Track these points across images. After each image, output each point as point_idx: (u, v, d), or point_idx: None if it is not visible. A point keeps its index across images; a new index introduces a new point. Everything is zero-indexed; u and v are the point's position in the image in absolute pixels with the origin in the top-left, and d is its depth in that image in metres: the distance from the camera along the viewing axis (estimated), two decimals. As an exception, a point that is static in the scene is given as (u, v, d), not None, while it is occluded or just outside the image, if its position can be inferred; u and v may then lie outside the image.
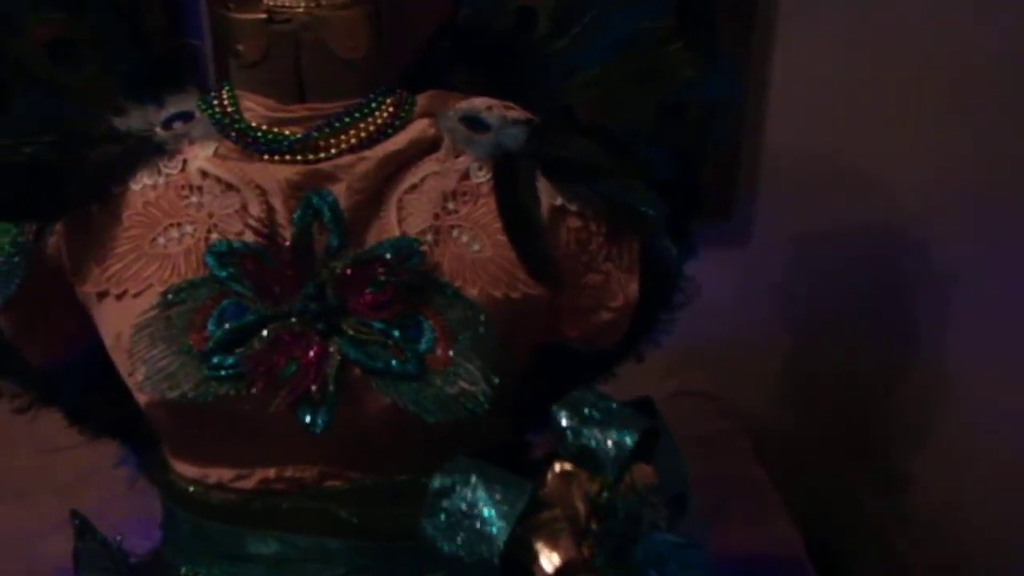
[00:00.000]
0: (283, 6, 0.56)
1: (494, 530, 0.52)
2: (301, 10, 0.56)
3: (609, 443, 0.58)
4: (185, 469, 0.62)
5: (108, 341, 0.60)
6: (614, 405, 0.60)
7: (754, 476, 1.17)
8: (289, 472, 0.59)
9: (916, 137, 1.24)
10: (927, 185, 1.25)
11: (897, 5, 1.20)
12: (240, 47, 0.57)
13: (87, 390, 0.74)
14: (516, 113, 0.64)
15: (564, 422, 0.59)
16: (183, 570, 0.64)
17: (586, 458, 0.59)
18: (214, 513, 0.61)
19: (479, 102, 0.64)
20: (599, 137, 0.63)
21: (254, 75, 0.58)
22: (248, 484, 0.60)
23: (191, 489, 0.61)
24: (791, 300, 1.44)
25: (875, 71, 1.23)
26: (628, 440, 0.58)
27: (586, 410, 0.59)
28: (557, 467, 0.58)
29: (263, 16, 0.56)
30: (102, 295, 0.59)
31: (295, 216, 0.56)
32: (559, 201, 0.61)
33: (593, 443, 0.58)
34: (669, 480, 0.62)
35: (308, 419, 0.54)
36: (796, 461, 1.37)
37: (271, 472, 0.60)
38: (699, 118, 0.69)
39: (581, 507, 0.58)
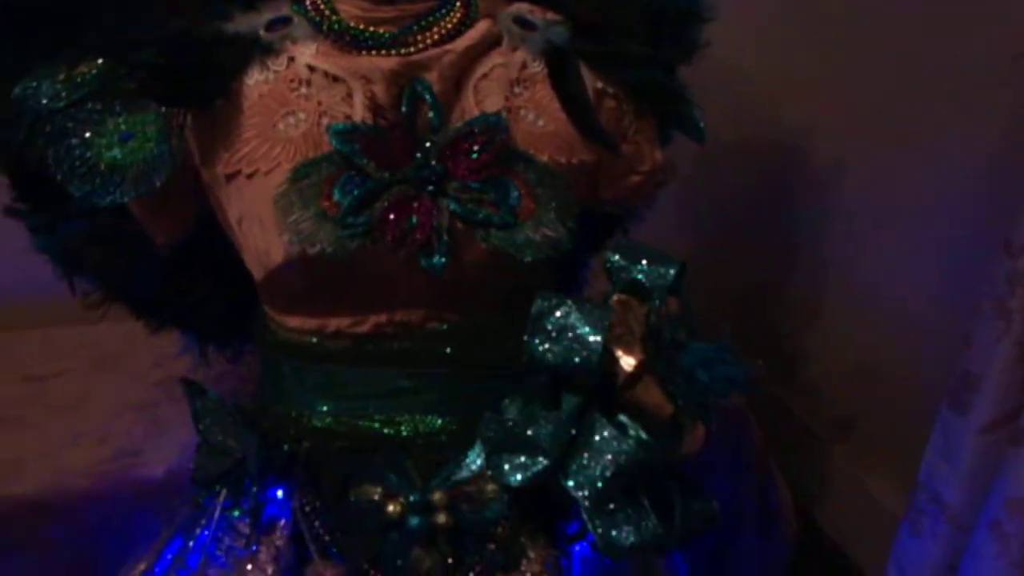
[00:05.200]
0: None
1: (592, 340, 0.66)
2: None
3: (654, 275, 0.73)
4: (304, 323, 0.72)
5: (234, 216, 0.69)
6: (651, 249, 0.75)
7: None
8: (398, 316, 0.71)
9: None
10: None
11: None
12: (340, -43, 0.67)
13: (159, 285, 0.83)
14: (551, 15, 0.76)
15: (618, 260, 0.74)
16: (292, 413, 0.75)
17: (636, 289, 0.74)
18: (333, 358, 0.72)
19: (522, 6, 0.76)
20: (623, 36, 0.77)
21: (350, -19, 0.68)
22: (363, 329, 0.71)
23: (312, 340, 0.72)
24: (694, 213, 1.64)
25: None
26: (670, 272, 0.73)
27: (633, 251, 0.74)
28: (615, 298, 0.73)
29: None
30: (231, 176, 0.68)
31: (405, 98, 0.67)
32: (599, 85, 0.75)
33: (641, 276, 0.73)
34: (687, 312, 0.78)
35: (429, 263, 0.66)
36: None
37: (383, 317, 0.71)
38: (674, 24, 0.84)
39: (636, 328, 0.73)
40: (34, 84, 0.65)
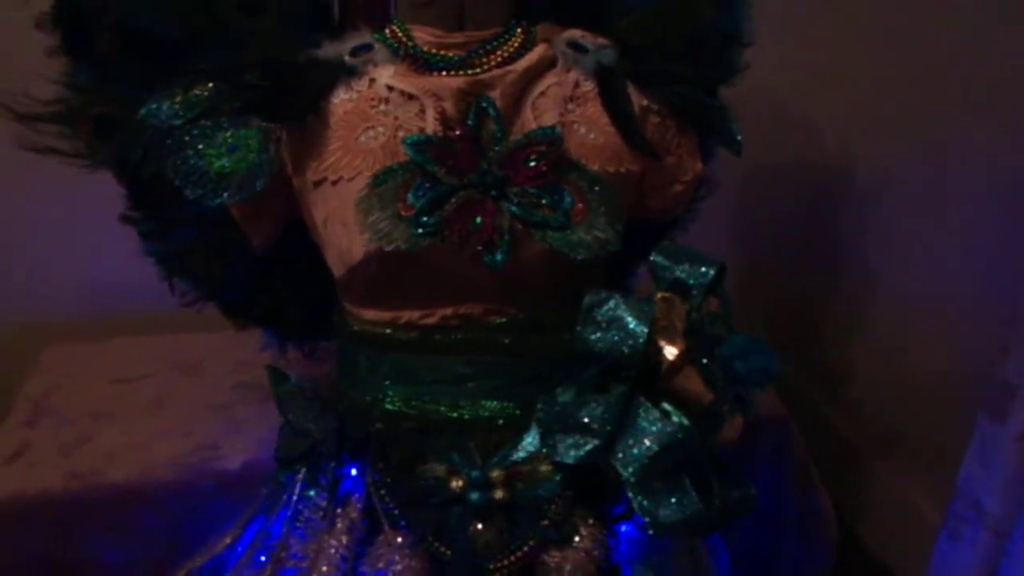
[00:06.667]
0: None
1: (636, 330, 0.73)
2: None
3: (694, 275, 0.80)
4: (379, 316, 0.81)
5: (320, 218, 0.78)
6: (693, 251, 0.82)
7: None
8: (463, 309, 0.79)
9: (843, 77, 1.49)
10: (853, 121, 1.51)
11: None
12: (416, -8, 0.76)
13: (249, 287, 0.92)
14: (601, 40, 0.85)
15: (662, 261, 0.81)
16: (367, 398, 0.83)
17: (678, 288, 0.80)
18: (403, 347, 0.80)
19: (575, 32, 0.84)
20: (666, 58, 0.85)
21: (424, 12, 0.78)
22: (431, 320, 0.80)
23: (386, 331, 0.80)
24: (744, 228, 1.70)
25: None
26: (710, 272, 0.80)
27: (676, 253, 0.81)
28: (659, 295, 0.80)
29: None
30: (319, 183, 0.77)
31: (471, 113, 0.76)
32: (645, 102, 0.82)
33: (684, 275, 0.80)
34: (726, 310, 0.84)
35: (491, 260, 0.74)
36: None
37: (449, 310, 0.79)
38: (718, 48, 0.91)
39: (678, 322, 0.79)
40: (155, 106, 0.75)
